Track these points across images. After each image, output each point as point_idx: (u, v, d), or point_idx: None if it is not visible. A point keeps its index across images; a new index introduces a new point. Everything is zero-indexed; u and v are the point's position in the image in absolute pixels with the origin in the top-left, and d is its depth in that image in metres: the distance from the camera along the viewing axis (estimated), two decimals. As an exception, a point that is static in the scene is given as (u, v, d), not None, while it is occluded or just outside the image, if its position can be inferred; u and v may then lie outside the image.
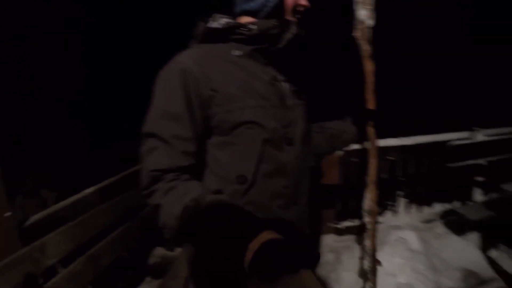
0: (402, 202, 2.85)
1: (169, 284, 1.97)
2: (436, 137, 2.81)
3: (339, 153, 2.46)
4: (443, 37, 6.91)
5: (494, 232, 2.46)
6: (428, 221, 2.85)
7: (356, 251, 2.29)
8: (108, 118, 5.60)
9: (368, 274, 1.66)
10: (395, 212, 2.84)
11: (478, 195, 2.96)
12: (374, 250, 1.65)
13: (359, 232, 2.48)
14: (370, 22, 1.18)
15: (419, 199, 2.90)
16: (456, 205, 2.95)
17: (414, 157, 2.76)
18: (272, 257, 0.60)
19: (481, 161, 2.90)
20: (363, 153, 2.32)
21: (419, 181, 2.85)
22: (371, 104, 1.28)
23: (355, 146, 2.26)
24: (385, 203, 2.79)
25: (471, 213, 2.59)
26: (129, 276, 2.31)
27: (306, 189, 1.00)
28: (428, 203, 2.96)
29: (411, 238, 2.26)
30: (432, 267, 2.17)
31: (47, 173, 3.55)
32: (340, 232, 2.67)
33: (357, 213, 2.56)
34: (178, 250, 2.42)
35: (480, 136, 2.93)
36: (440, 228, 2.74)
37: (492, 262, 2.30)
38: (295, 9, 0.91)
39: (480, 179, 2.93)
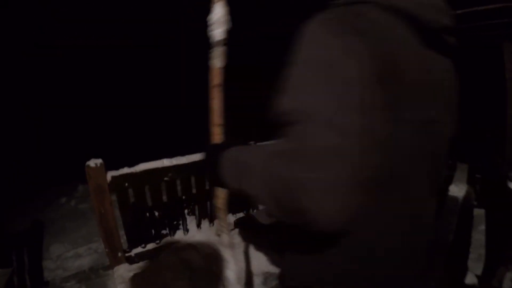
0: (191, 220, 2.81)
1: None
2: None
3: (108, 178, 2.24)
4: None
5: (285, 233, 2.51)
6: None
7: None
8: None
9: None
10: (186, 231, 2.78)
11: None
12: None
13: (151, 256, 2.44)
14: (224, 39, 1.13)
15: (209, 214, 2.87)
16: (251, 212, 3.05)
17: (195, 174, 2.68)
18: None
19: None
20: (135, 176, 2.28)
21: (204, 197, 2.79)
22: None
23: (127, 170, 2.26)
24: (173, 224, 2.72)
25: (262, 217, 2.68)
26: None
27: None
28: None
29: (194, 258, 2.24)
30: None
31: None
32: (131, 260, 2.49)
33: (146, 239, 2.53)
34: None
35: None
36: (236, 238, 2.80)
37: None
38: None
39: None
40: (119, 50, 6.75)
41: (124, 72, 6.92)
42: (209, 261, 2.28)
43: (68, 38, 6.12)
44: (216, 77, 1.13)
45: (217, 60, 1.13)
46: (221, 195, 1.20)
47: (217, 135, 1.14)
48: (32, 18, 5.53)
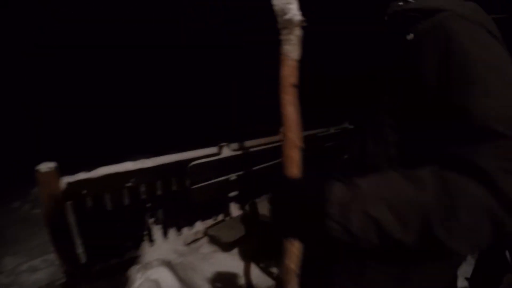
0: (157, 229, 2.62)
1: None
2: (181, 156, 2.54)
3: (62, 185, 2.02)
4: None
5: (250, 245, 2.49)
6: (192, 242, 2.75)
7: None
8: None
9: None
10: (151, 242, 2.58)
11: (235, 209, 3.04)
12: None
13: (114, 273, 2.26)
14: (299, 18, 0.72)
15: (177, 222, 2.72)
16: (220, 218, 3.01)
17: (161, 178, 2.52)
18: None
19: (232, 176, 2.85)
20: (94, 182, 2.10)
21: (171, 203, 2.62)
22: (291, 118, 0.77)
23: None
24: (137, 234, 2.51)
25: (224, 235, 2.65)
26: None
27: None
28: (189, 224, 2.81)
29: (163, 277, 2.03)
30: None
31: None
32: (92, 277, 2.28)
33: (108, 252, 2.35)
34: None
35: (227, 151, 2.82)
36: (206, 247, 2.69)
37: (262, 269, 2.36)
38: None
39: (233, 193, 2.93)
40: (119, 50, 6.74)
41: (123, 72, 6.90)
42: (181, 281, 2.09)
43: (68, 38, 6.18)
44: (291, 74, 0.72)
45: (292, 48, 0.72)
46: (295, 252, 0.79)
47: (295, 163, 0.73)
48: (32, 18, 5.51)
